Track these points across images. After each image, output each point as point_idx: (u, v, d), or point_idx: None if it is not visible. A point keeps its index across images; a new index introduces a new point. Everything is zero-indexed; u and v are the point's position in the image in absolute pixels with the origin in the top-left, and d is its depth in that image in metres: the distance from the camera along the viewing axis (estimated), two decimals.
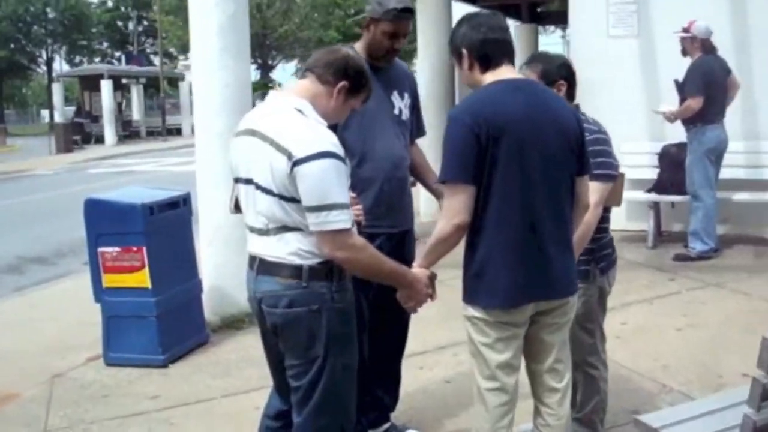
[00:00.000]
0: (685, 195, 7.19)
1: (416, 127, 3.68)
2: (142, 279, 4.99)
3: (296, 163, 2.50)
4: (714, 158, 6.94)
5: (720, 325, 5.24)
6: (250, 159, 2.66)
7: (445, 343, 5.08)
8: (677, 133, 7.30)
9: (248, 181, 2.69)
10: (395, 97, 3.49)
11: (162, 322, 5.02)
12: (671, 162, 7.36)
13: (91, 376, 4.95)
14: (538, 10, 17.16)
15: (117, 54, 56.34)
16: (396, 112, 3.50)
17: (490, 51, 2.74)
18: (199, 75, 5.83)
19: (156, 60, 46.29)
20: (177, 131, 37.14)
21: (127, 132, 35.89)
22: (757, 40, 7.45)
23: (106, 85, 33.03)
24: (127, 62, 46.33)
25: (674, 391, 4.21)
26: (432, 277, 2.85)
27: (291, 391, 2.77)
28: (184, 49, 46.21)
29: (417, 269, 2.81)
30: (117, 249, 4.98)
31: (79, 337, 5.64)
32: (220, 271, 5.82)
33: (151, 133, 37.01)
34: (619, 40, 7.91)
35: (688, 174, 6.99)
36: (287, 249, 2.63)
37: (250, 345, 5.35)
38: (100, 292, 5.08)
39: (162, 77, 36.53)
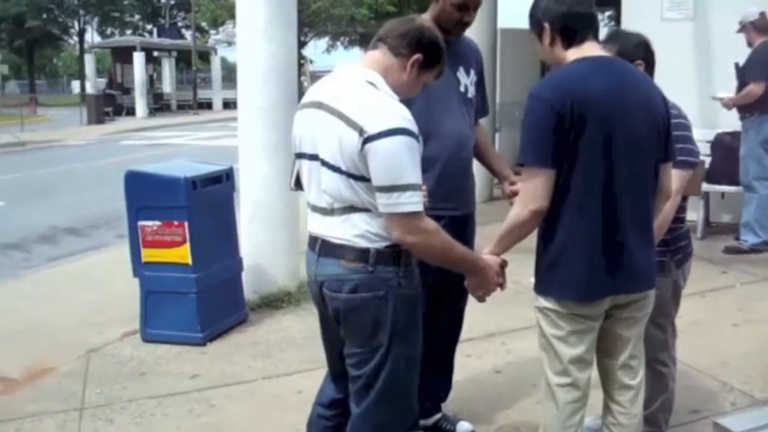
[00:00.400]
0: (737, 185, 6.97)
1: (481, 107, 3.50)
2: (183, 254, 4.87)
3: (368, 139, 2.34)
4: None
5: None
6: (317, 133, 2.50)
7: (494, 330, 4.93)
8: (732, 121, 7.06)
9: (313, 157, 2.53)
10: (461, 73, 3.31)
11: (201, 299, 4.90)
12: (724, 151, 7.11)
13: (128, 352, 4.85)
14: None
15: (148, 27, 56.33)
16: (462, 89, 3.32)
17: (575, 25, 2.55)
18: (244, 46, 5.68)
19: (188, 34, 46.24)
20: (208, 105, 37.16)
21: (158, 105, 35.90)
22: None
23: (138, 58, 33.04)
24: (159, 35, 46.32)
25: (735, 390, 4.02)
26: (503, 265, 2.69)
27: (350, 380, 2.62)
28: (215, 23, 46.18)
29: (488, 256, 2.64)
30: (158, 223, 4.86)
31: (115, 312, 5.53)
32: (260, 249, 5.71)
33: (182, 107, 37.01)
34: (674, 23, 7.64)
35: (743, 164, 6.77)
36: (353, 231, 2.47)
37: (289, 325, 5.25)
38: (138, 267, 4.97)
39: (194, 50, 36.42)
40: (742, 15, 6.74)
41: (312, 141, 2.53)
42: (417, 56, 2.54)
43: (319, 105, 2.50)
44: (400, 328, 2.52)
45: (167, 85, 39.24)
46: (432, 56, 2.58)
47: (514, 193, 3.37)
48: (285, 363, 4.60)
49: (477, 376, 4.30)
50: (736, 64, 6.67)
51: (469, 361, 4.43)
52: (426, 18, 3.24)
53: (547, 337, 2.59)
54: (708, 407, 3.81)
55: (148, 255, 4.92)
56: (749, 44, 6.71)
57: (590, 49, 2.55)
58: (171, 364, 4.63)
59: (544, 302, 2.57)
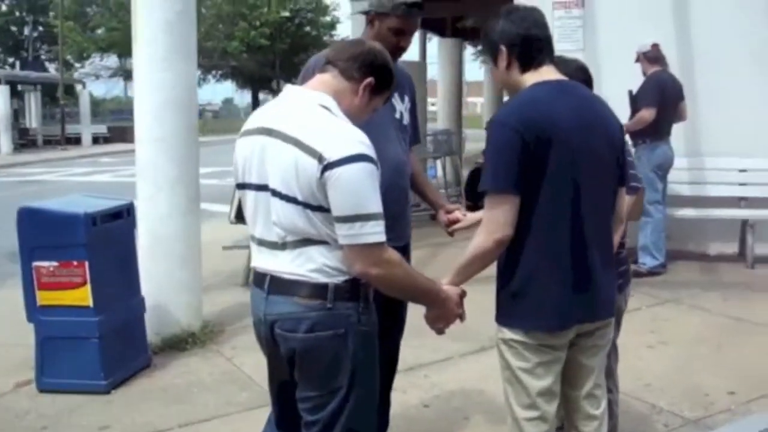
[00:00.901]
0: None
1: (413, 134, 3.40)
2: (83, 296, 4.52)
3: (327, 167, 2.19)
4: (662, 174, 6.95)
5: (690, 342, 5.16)
6: (266, 161, 2.32)
7: (412, 363, 4.80)
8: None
9: (261, 188, 2.35)
10: (396, 99, 3.20)
11: (104, 343, 4.56)
12: None
13: (24, 404, 4.44)
14: (458, 25, 17.17)
15: (10, 60, 53.88)
16: (397, 116, 3.22)
17: (533, 48, 2.49)
18: (142, 76, 5.39)
19: (51, 68, 44.54)
20: (76, 140, 35.62)
21: (24, 141, 34.18)
22: (700, 58, 7.49)
23: (2, 91, 31.40)
24: (22, 69, 44.34)
25: (665, 411, 4.06)
26: (463, 295, 2.57)
27: (303, 426, 2.43)
28: (81, 56, 44.65)
29: (448, 287, 2.52)
30: (55, 263, 4.50)
31: (3, 360, 5.09)
32: (161, 288, 5.39)
33: (49, 142, 35.32)
34: (565, 54, 7.82)
35: None
36: (309, 265, 2.30)
37: (197, 368, 4.97)
38: (33, 311, 4.57)
39: (62, 84, 34.98)
40: (639, 46, 7.02)
41: (259, 170, 2.35)
42: (369, 80, 2.42)
43: (267, 131, 2.33)
44: (360, 367, 2.37)
45: (33, 120, 37.43)
46: (383, 80, 2.46)
47: (452, 222, 3.29)
48: (199, 408, 4.32)
49: (406, 411, 4.16)
50: (630, 92, 6.89)
51: (396, 396, 4.25)
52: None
53: (513, 369, 2.48)
54: (642, 430, 3.81)
55: (44, 298, 4.54)
56: (644, 74, 6.97)
57: (547, 73, 2.49)
58: (75, 415, 4.26)
59: (509, 334, 2.47)
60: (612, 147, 2.50)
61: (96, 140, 35.20)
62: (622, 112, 7.00)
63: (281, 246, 2.34)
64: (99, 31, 41.55)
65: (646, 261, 6.90)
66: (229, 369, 4.95)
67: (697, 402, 4.17)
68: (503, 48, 2.50)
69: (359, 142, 2.24)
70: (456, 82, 17.41)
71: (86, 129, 35.18)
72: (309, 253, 2.30)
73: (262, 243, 2.41)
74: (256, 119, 2.44)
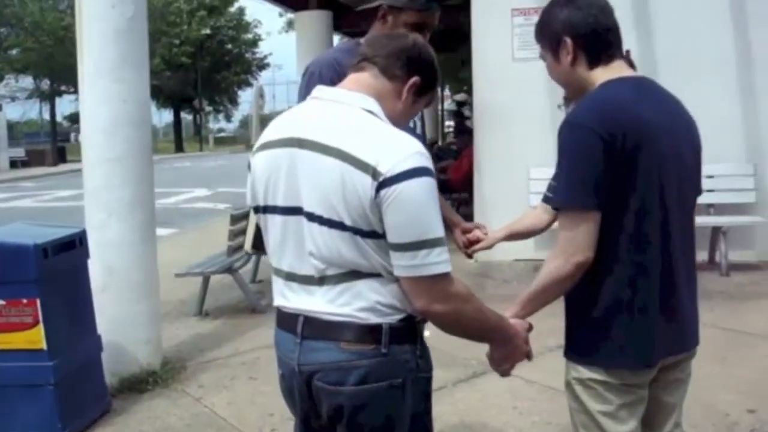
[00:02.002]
0: None
1: (425, 143, 3.04)
2: (35, 338, 3.99)
3: (384, 184, 1.79)
4: None
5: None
6: (298, 179, 1.92)
7: None
8: None
9: (291, 210, 1.95)
10: None
11: (61, 390, 4.04)
12: None
13: None
14: None
15: None
16: (411, 125, 2.85)
17: (605, 40, 2.15)
18: (89, 89, 4.87)
19: None
20: None
21: None
22: (663, 64, 7.32)
23: None
24: None
25: None
26: (530, 330, 2.20)
27: None
28: None
29: (515, 320, 2.15)
30: (1, 302, 3.97)
31: None
32: (117, 323, 4.87)
33: None
34: (525, 62, 7.60)
35: None
36: (358, 303, 1.90)
37: (164, 412, 4.48)
38: None
39: None
40: None
41: (288, 189, 1.94)
42: (414, 79, 2.03)
43: (298, 142, 1.92)
44: (418, 422, 1.97)
45: None
46: (430, 78, 2.09)
47: (472, 242, 2.93)
48: None
49: None
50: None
51: None
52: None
53: (592, 414, 2.12)
54: None
55: None
56: None
57: (620, 69, 2.16)
58: None
59: (587, 373, 2.10)
60: (696, 153, 2.19)
61: (14, 164, 33.83)
62: None
63: (319, 281, 1.93)
64: (13, 52, 39.94)
65: None
66: (200, 411, 4.48)
67: (720, 423, 3.91)
68: (568, 40, 2.14)
69: (418, 153, 1.86)
70: None
71: (3, 153, 33.76)
72: (357, 289, 1.90)
73: (292, 278, 2.00)
74: (278, 128, 2.03)
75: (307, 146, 1.90)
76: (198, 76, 46.86)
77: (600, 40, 2.14)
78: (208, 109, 54.34)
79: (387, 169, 1.79)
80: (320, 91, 2.04)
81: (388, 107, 2.00)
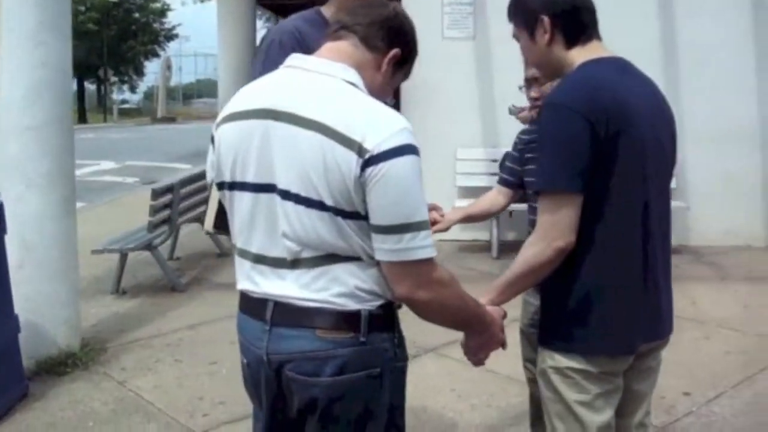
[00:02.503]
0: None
1: None
2: None
3: (370, 161, 1.68)
4: None
5: None
6: (272, 154, 1.78)
7: None
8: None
9: (263, 188, 1.81)
10: None
11: None
12: None
13: None
14: None
15: None
16: None
17: (584, 19, 2.08)
18: (8, 54, 4.56)
19: None
20: None
21: None
22: None
23: None
24: None
25: None
26: (504, 317, 2.12)
27: None
28: None
29: (491, 308, 2.06)
30: None
31: None
32: (34, 303, 4.62)
33: None
34: (455, 42, 7.56)
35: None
36: (336, 288, 1.78)
37: (86, 396, 4.26)
38: None
39: None
40: None
41: (260, 165, 1.81)
42: (395, 51, 1.91)
43: (272, 114, 1.78)
44: (395, 413, 1.88)
45: None
46: (410, 51, 1.97)
47: (432, 223, 2.85)
48: None
49: None
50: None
51: None
52: (326, 8, 2.65)
53: (568, 403, 2.06)
54: None
55: None
56: None
57: (597, 49, 2.09)
58: None
59: (564, 361, 2.04)
60: (672, 138, 2.14)
61: None
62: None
63: (292, 264, 1.81)
64: None
65: None
66: (125, 395, 4.27)
67: (658, 406, 3.91)
68: (545, 18, 2.06)
69: (406, 129, 1.74)
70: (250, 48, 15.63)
71: None
72: (334, 273, 1.78)
73: (261, 260, 1.86)
74: (248, 98, 1.88)
75: (284, 118, 1.76)
76: (104, 44, 45.32)
77: (578, 19, 2.07)
78: (113, 79, 52.67)
79: (374, 146, 1.68)
80: (296, 59, 1.90)
81: (367, 79, 1.87)
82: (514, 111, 3.21)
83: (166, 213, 6.57)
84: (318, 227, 1.75)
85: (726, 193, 7.63)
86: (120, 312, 5.79)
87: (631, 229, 1.99)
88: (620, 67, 2.07)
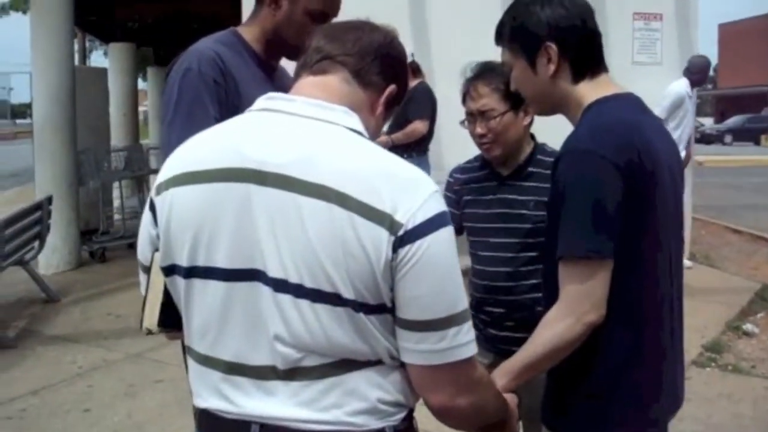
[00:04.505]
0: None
1: None
2: None
3: (405, 239, 1.27)
4: None
5: None
6: (257, 230, 1.32)
7: None
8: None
9: (242, 275, 1.34)
10: None
11: None
12: None
13: None
14: (130, 25, 15.83)
15: None
16: None
17: (594, 48, 1.77)
18: None
19: None
20: None
21: None
22: (440, 70, 7.22)
23: None
24: None
25: None
26: (519, 406, 1.75)
27: None
28: None
29: (507, 395, 1.67)
30: None
31: None
32: None
33: None
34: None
35: None
36: (353, 404, 1.34)
37: None
38: None
39: None
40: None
41: (237, 245, 1.34)
42: (392, 89, 1.51)
43: (256, 176, 1.33)
44: None
45: None
46: (404, 88, 1.57)
47: None
48: None
49: None
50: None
51: None
52: (249, 32, 2.21)
53: None
54: None
55: None
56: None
57: (607, 84, 1.78)
58: None
59: None
60: (682, 178, 1.87)
61: None
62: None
63: (286, 375, 1.35)
64: None
65: None
66: None
67: None
68: (553, 46, 1.73)
69: (437, 192, 1.34)
70: (133, 91, 16.32)
71: None
72: (350, 384, 1.34)
73: (238, 370, 1.38)
74: (209, 151, 1.39)
75: (273, 182, 1.31)
76: None
77: (592, 49, 1.76)
78: None
79: (407, 218, 1.27)
80: (274, 100, 1.43)
81: (362, 122, 1.45)
82: (468, 122, 2.75)
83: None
84: (328, 327, 1.30)
85: None
86: None
87: (661, 292, 1.72)
88: (639, 105, 1.78)
